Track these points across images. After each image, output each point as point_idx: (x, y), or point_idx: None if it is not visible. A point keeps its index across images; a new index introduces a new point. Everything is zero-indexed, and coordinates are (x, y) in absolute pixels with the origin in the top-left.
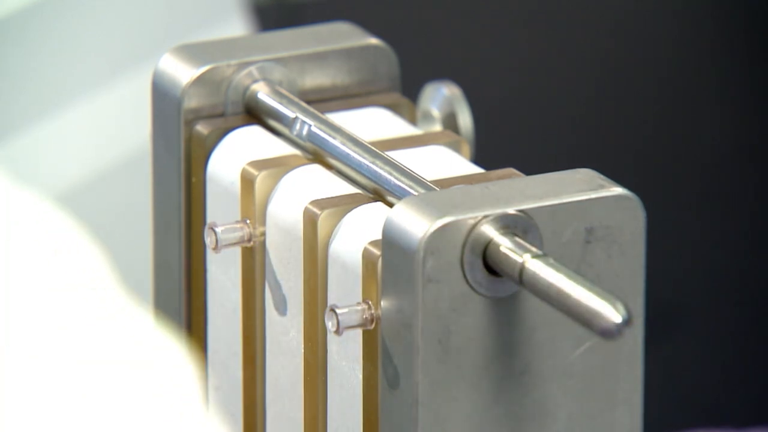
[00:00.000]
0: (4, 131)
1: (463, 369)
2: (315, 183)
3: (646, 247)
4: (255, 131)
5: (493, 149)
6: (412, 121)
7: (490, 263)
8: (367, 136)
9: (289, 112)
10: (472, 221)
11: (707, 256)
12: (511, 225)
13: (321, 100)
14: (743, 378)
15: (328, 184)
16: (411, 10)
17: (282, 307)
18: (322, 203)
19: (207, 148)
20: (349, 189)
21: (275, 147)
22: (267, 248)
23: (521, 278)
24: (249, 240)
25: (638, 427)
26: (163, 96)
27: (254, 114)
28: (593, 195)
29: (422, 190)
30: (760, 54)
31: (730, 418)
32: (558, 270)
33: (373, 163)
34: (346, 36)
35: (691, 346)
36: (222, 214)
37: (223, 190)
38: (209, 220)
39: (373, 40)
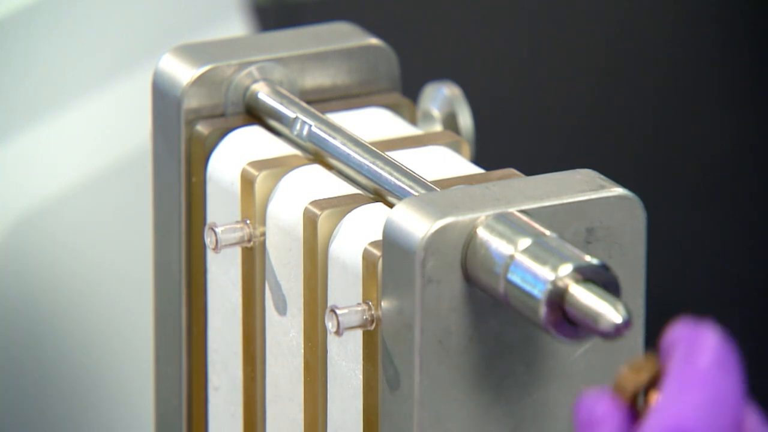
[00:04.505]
0: (4, 131)
1: (463, 369)
2: (315, 183)
3: (647, 247)
4: (255, 131)
5: (493, 149)
6: (412, 121)
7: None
8: (367, 136)
9: (289, 112)
10: (472, 222)
11: (707, 256)
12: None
13: (321, 100)
14: (743, 378)
15: (328, 185)
16: (411, 10)
17: (282, 308)
18: (322, 203)
19: (207, 148)
20: (350, 189)
21: (275, 147)
22: (267, 248)
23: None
24: (249, 240)
25: None
26: (163, 96)
27: (254, 114)
28: (593, 195)
29: (422, 191)
30: (760, 54)
31: None
32: None
33: (373, 163)
34: (346, 36)
35: None
36: (222, 214)
37: (223, 190)
38: (209, 220)
39: (373, 40)
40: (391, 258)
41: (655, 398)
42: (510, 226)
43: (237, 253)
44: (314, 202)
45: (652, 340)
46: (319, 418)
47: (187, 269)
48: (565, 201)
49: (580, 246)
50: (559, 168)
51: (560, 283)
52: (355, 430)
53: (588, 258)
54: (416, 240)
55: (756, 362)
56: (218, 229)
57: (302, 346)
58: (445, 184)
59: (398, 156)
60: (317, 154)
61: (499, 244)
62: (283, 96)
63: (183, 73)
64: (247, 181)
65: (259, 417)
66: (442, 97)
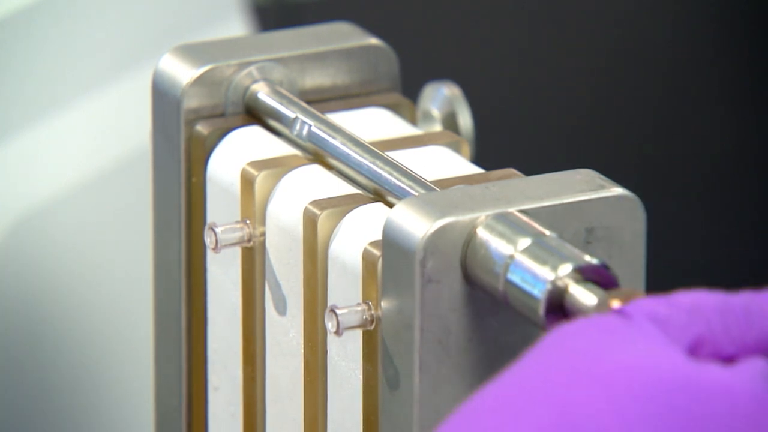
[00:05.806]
0: (4, 131)
1: (462, 369)
2: (315, 183)
3: (647, 248)
4: (255, 131)
5: (493, 149)
6: (412, 121)
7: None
8: (367, 136)
9: (289, 112)
10: (472, 221)
11: (707, 256)
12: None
13: (321, 100)
14: None
15: (328, 185)
16: (411, 10)
17: (282, 308)
18: (322, 203)
19: (207, 148)
20: (349, 189)
21: (275, 147)
22: (267, 248)
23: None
24: (249, 240)
25: None
26: (163, 96)
27: (254, 114)
28: (593, 195)
29: (422, 191)
30: (760, 54)
31: None
32: None
33: (373, 163)
34: (346, 36)
35: None
36: (222, 214)
37: (223, 190)
38: (209, 220)
39: (373, 40)
40: (391, 258)
41: None
42: (510, 226)
43: (237, 253)
44: (314, 202)
45: None
46: (319, 418)
47: (187, 269)
48: (564, 201)
49: (580, 246)
50: (559, 168)
51: (560, 283)
52: (354, 429)
53: (588, 258)
54: (416, 240)
55: None
56: (218, 229)
57: (302, 346)
58: (444, 184)
59: (398, 156)
60: (317, 154)
61: (498, 244)
62: (283, 96)
63: (183, 73)
64: (247, 181)
65: (259, 417)
66: (442, 97)
